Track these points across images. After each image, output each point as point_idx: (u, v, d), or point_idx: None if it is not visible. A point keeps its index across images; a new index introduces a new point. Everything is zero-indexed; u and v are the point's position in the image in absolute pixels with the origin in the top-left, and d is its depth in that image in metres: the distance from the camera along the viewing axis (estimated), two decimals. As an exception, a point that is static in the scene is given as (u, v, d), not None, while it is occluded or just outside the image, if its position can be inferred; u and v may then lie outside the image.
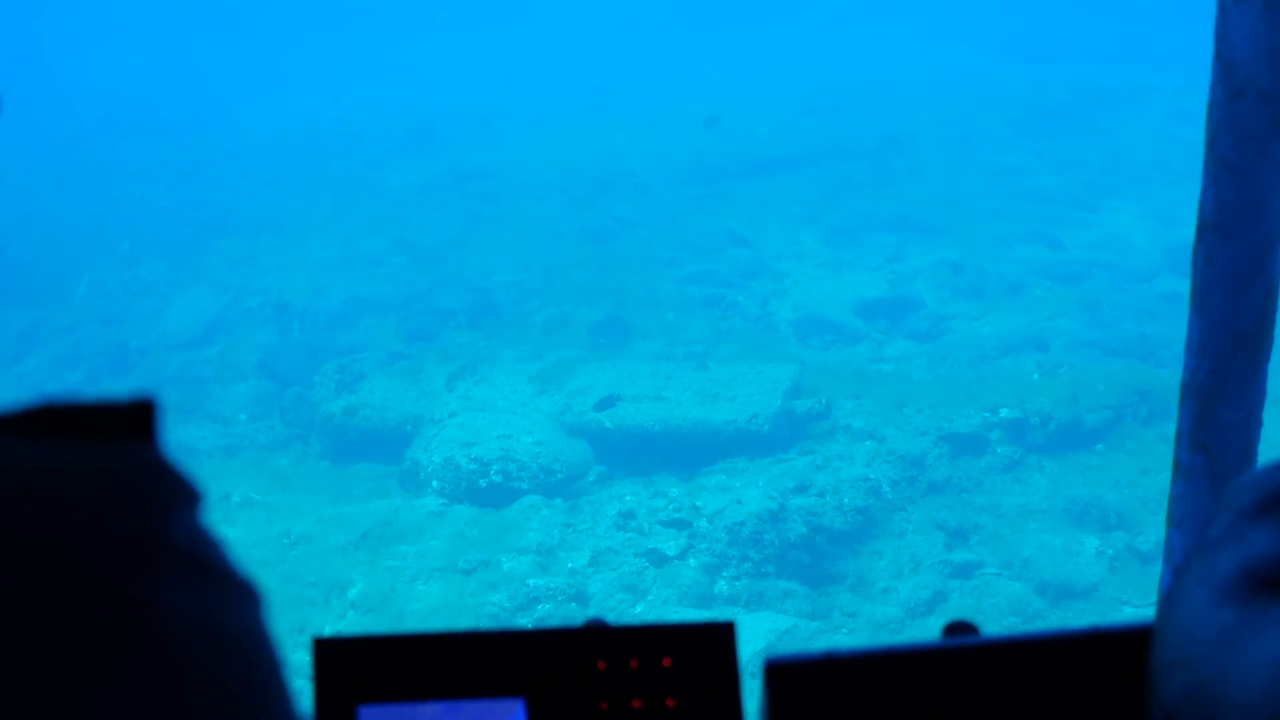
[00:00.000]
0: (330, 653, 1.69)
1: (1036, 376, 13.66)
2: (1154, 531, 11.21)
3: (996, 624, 10.29)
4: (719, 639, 1.77)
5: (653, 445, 12.67)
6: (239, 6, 37.81)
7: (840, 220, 18.50)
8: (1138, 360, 13.90)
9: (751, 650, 9.58)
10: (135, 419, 0.91)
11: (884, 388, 13.50)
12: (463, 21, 37.21)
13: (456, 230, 19.17)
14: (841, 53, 29.34)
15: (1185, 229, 15.02)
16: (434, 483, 12.29)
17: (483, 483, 12.11)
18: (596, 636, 1.75)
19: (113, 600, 0.83)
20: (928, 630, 10.20)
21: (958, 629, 1.65)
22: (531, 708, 1.72)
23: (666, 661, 1.76)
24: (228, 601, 0.91)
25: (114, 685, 0.82)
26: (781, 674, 1.52)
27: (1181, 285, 15.65)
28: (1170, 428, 11.73)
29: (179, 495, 0.91)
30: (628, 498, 11.95)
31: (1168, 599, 1.21)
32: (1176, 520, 3.57)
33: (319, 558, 11.49)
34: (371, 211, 20.29)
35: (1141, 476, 12.04)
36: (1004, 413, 12.80)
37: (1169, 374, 13.28)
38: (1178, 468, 3.55)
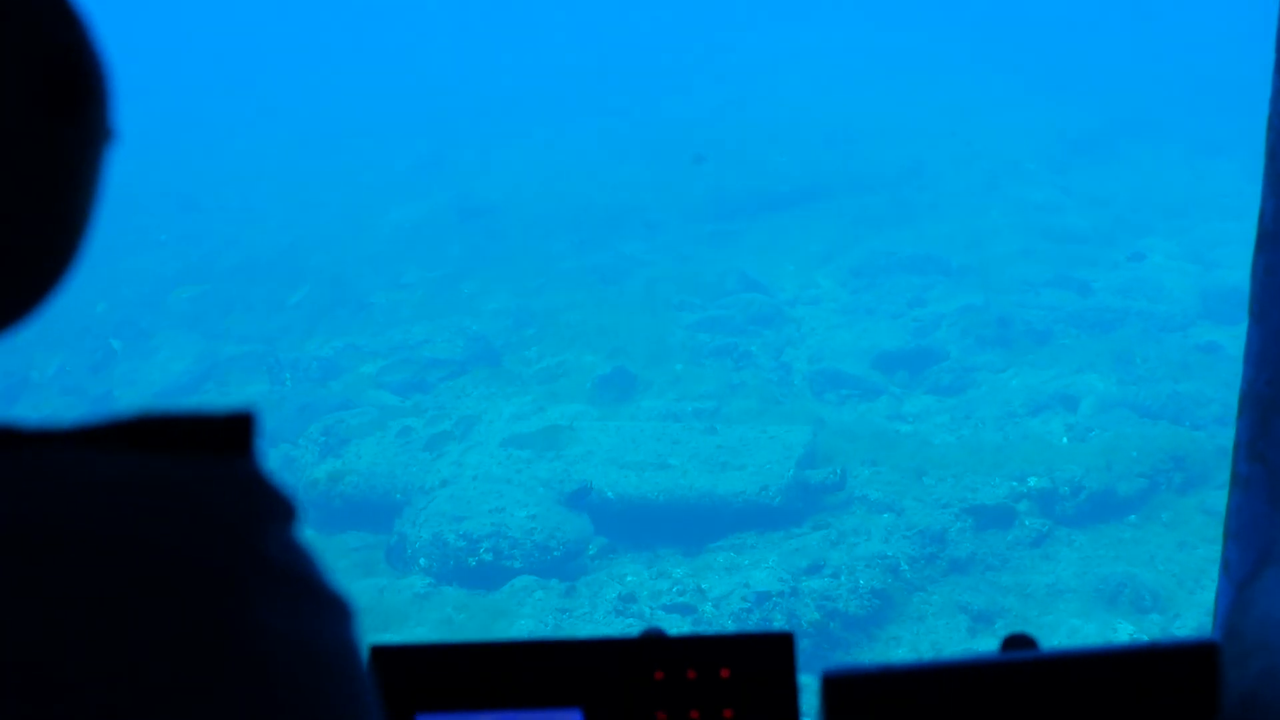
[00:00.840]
0: (388, 661, 1.73)
1: (1066, 440, 12.85)
2: (1190, 615, 10.48)
3: None
4: (777, 650, 1.78)
5: (657, 517, 11.88)
6: (245, 25, 37.14)
7: (859, 260, 17.73)
8: (1171, 422, 13.08)
9: None
10: (233, 433, 0.92)
11: (903, 452, 12.70)
12: (474, 45, 36.54)
13: (458, 270, 18.45)
14: (862, 80, 28.43)
15: (1220, 270, 14.26)
16: (421, 560, 11.51)
17: (472, 561, 11.31)
18: (654, 646, 1.76)
19: (210, 616, 0.84)
20: None
21: (1016, 643, 1.71)
22: (589, 718, 1.76)
23: (725, 672, 1.77)
24: (321, 617, 0.91)
25: (210, 701, 0.83)
26: (839, 686, 1.56)
27: (1218, 334, 14.95)
28: (1207, 495, 10.98)
29: (275, 511, 0.92)
30: (629, 578, 11.16)
31: (1243, 598, 1.40)
32: (1234, 532, 3.13)
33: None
34: (371, 249, 19.58)
35: (1178, 552, 11.24)
36: (1032, 482, 11.99)
37: (1205, 437, 12.54)
38: (1235, 478, 3.22)
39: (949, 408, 13.87)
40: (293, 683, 0.87)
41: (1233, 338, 14.82)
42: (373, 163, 24.56)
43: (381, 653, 1.75)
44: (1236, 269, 16.54)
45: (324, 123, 28.36)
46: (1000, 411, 13.58)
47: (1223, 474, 12.00)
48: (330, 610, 0.93)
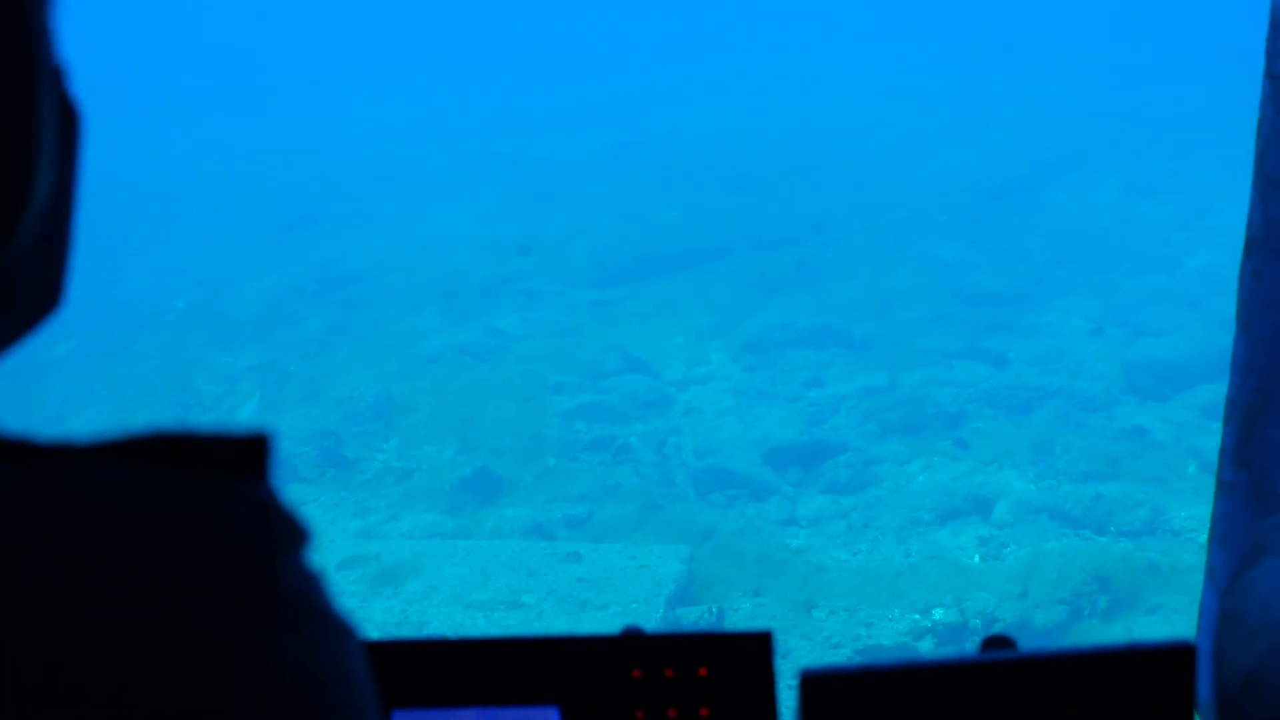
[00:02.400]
0: (372, 654, 1.72)
1: (978, 559, 11.26)
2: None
3: None
4: (756, 649, 1.82)
5: (503, 668, 10.20)
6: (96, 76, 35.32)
7: (754, 332, 16.13)
8: (1095, 531, 11.55)
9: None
10: (249, 455, 0.92)
11: (791, 579, 11.05)
12: (347, 97, 34.83)
13: (312, 349, 16.77)
14: (761, 124, 26.70)
15: (1146, 338, 12.65)
16: None
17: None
18: (632, 645, 1.80)
19: (225, 642, 0.84)
20: None
21: (996, 643, 1.73)
22: (566, 716, 1.79)
23: (703, 671, 1.81)
24: (332, 643, 0.91)
25: None
26: (817, 686, 1.56)
27: (1143, 415, 13.38)
28: (1135, 622, 9.41)
29: (290, 535, 0.91)
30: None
31: (1244, 581, 1.36)
32: (1219, 537, 3.56)
33: None
34: (223, 328, 17.87)
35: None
36: (937, 614, 10.41)
37: (1133, 550, 11.08)
38: (1220, 485, 3.50)
39: (846, 511, 12.25)
40: (304, 710, 0.85)
41: (1160, 420, 13.48)
42: (237, 224, 22.80)
43: (375, 646, 1.75)
44: (1163, 334, 15.09)
45: (185, 177, 26.54)
46: (904, 519, 11.99)
47: (1152, 596, 10.61)
48: (340, 637, 0.91)
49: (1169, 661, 1.66)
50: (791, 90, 29.96)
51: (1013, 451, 12.98)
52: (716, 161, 23.29)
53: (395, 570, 11.40)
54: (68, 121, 1.01)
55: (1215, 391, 13.64)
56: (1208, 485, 12.04)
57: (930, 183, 21.64)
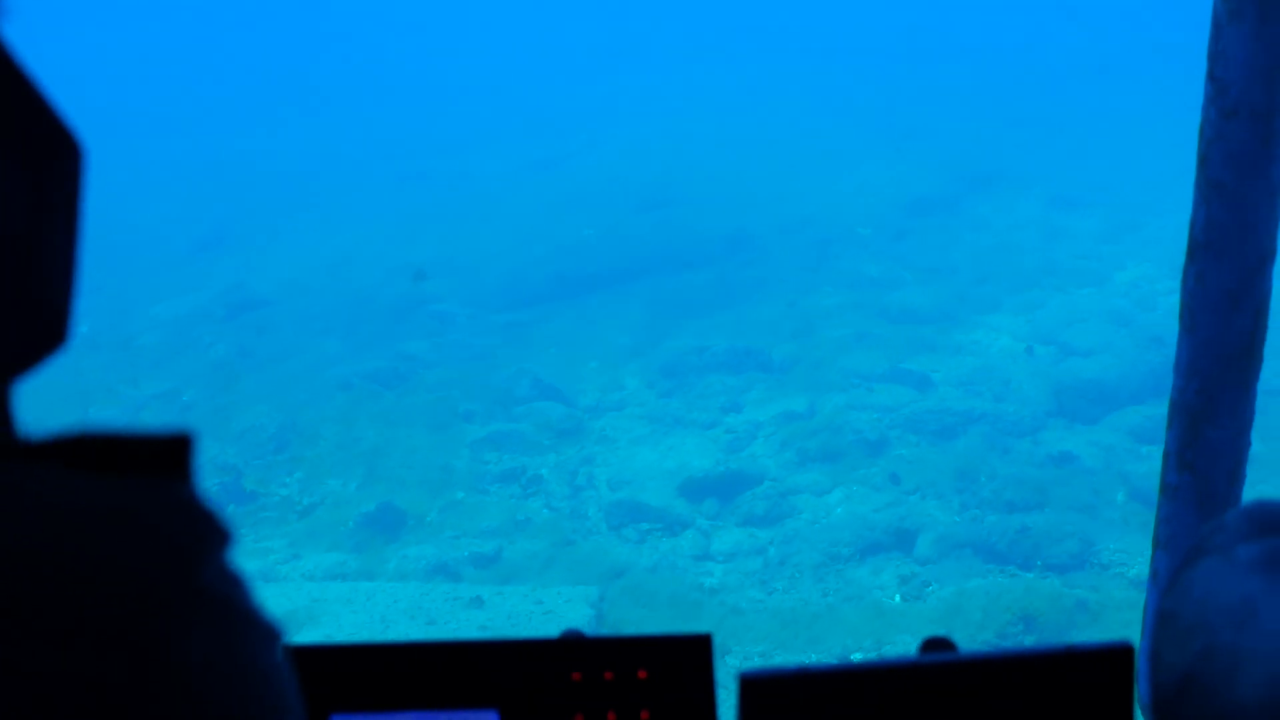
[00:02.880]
0: (303, 661, 1.76)
1: (898, 599, 10.77)
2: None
3: None
4: (695, 651, 1.84)
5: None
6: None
7: (670, 356, 15.64)
8: (1021, 567, 11.09)
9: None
10: (171, 455, 0.92)
11: (704, 622, 10.54)
12: (262, 106, 34.16)
13: (220, 378, 16.16)
14: (679, 137, 26.11)
15: (1074, 358, 12.17)
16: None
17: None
18: (572, 648, 1.81)
19: (138, 642, 0.83)
20: None
21: (935, 645, 1.80)
22: (505, 718, 1.80)
23: (642, 674, 1.82)
24: (254, 644, 0.90)
25: None
26: (756, 688, 1.61)
27: (1071, 439, 12.89)
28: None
29: (211, 536, 0.90)
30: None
31: (1181, 582, 1.40)
32: (1163, 540, 3.57)
33: None
34: (126, 355, 17.23)
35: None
36: (856, 660, 9.87)
37: (1060, 586, 10.65)
38: (1165, 488, 3.55)
39: (763, 546, 11.76)
40: (222, 708, 0.84)
41: (1087, 444, 13.06)
42: (146, 246, 22.10)
43: (296, 652, 1.74)
44: (1092, 354, 14.68)
45: (92, 197, 25.77)
46: (822, 554, 11.50)
47: (1081, 634, 10.15)
48: (262, 638, 0.90)
49: (1108, 662, 1.71)
50: (710, 104, 29.43)
51: (936, 480, 12.53)
52: (633, 177, 22.77)
53: (291, 618, 10.83)
54: (40, 147, 0.99)
55: (1145, 414, 13.24)
56: (1138, 514, 11.62)
57: (852, 197, 21.19)
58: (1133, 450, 12.87)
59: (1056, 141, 24.10)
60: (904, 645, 9.95)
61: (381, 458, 13.82)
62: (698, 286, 17.69)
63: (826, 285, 17.45)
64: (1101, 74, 30.30)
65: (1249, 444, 3.65)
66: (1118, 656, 1.72)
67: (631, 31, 40.12)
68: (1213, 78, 3.48)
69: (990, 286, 17.34)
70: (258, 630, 0.89)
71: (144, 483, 0.87)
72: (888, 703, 1.63)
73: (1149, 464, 12.38)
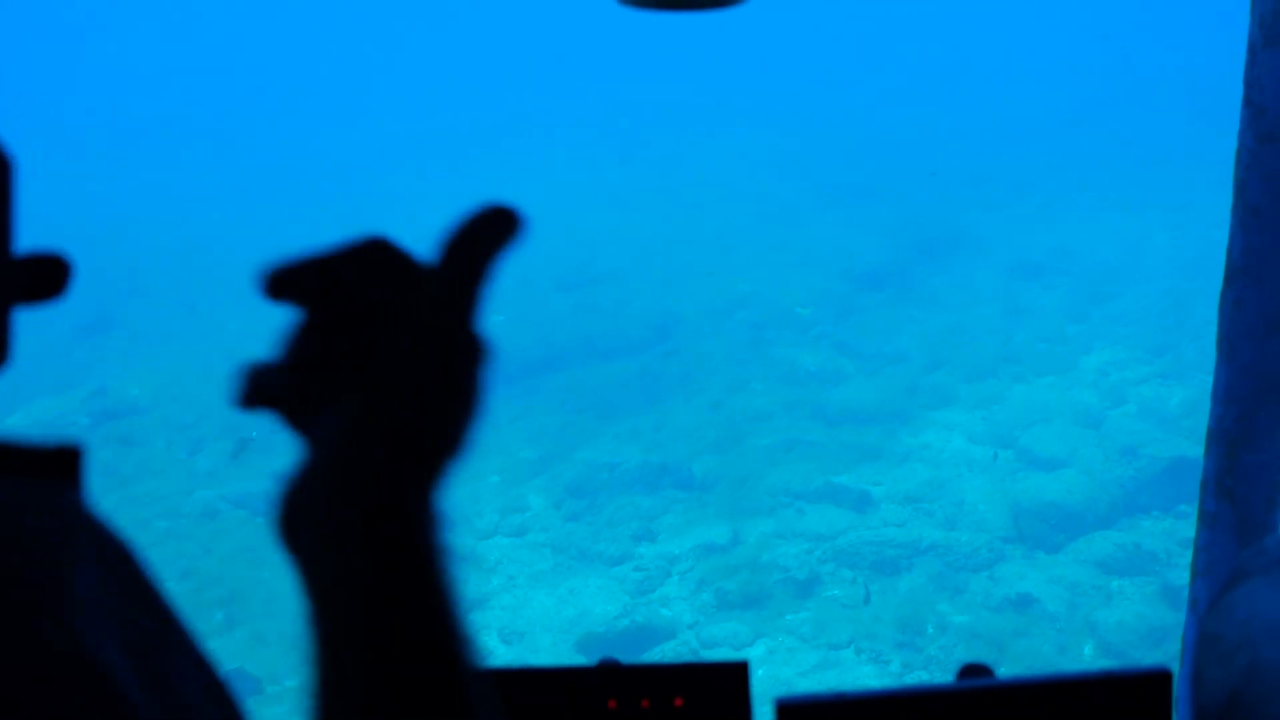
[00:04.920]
0: None
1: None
2: None
3: None
4: (732, 678, 1.88)
5: None
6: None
7: (580, 471, 13.85)
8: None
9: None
10: (60, 464, 0.94)
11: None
12: (179, 160, 32.43)
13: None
14: (608, 205, 24.31)
15: (1035, 475, 10.19)
16: None
17: None
18: (609, 675, 1.86)
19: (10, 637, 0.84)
20: None
21: (972, 671, 1.89)
22: None
23: (679, 701, 1.86)
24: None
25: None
26: (793, 713, 1.67)
27: (1031, 576, 10.77)
28: None
29: (88, 544, 0.91)
30: None
31: (1224, 603, 1.42)
32: (1202, 569, 3.64)
33: None
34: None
35: None
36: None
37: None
38: (1203, 516, 3.60)
39: (670, 726, 9.85)
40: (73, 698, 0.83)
41: (1050, 581, 11.27)
42: (28, 325, 20.15)
43: None
44: (1056, 466, 12.93)
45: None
46: (736, 737, 9.59)
47: None
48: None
49: (1146, 687, 1.77)
50: (642, 167, 27.64)
51: (874, 631, 10.75)
52: (555, 250, 20.93)
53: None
54: None
55: (1115, 541, 11.66)
56: (1108, 675, 9.87)
57: (794, 270, 19.36)
58: (1101, 587, 11.12)
59: (1021, 201, 22.39)
60: None
61: (240, 604, 12.18)
62: (616, 383, 15.86)
63: (757, 381, 15.60)
64: (1072, 126, 28.69)
65: None
66: (1156, 681, 1.75)
67: (550, 98, 38.46)
68: (1249, 103, 3.44)
69: (943, 375, 15.54)
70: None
71: (23, 484, 0.89)
72: None
73: (1120, 607, 10.75)
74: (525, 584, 12.13)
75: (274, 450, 15.02)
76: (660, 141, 30.43)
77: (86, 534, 0.90)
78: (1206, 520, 3.61)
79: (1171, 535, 11.82)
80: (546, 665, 1.86)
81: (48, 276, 1.06)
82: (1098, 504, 12.14)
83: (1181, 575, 10.98)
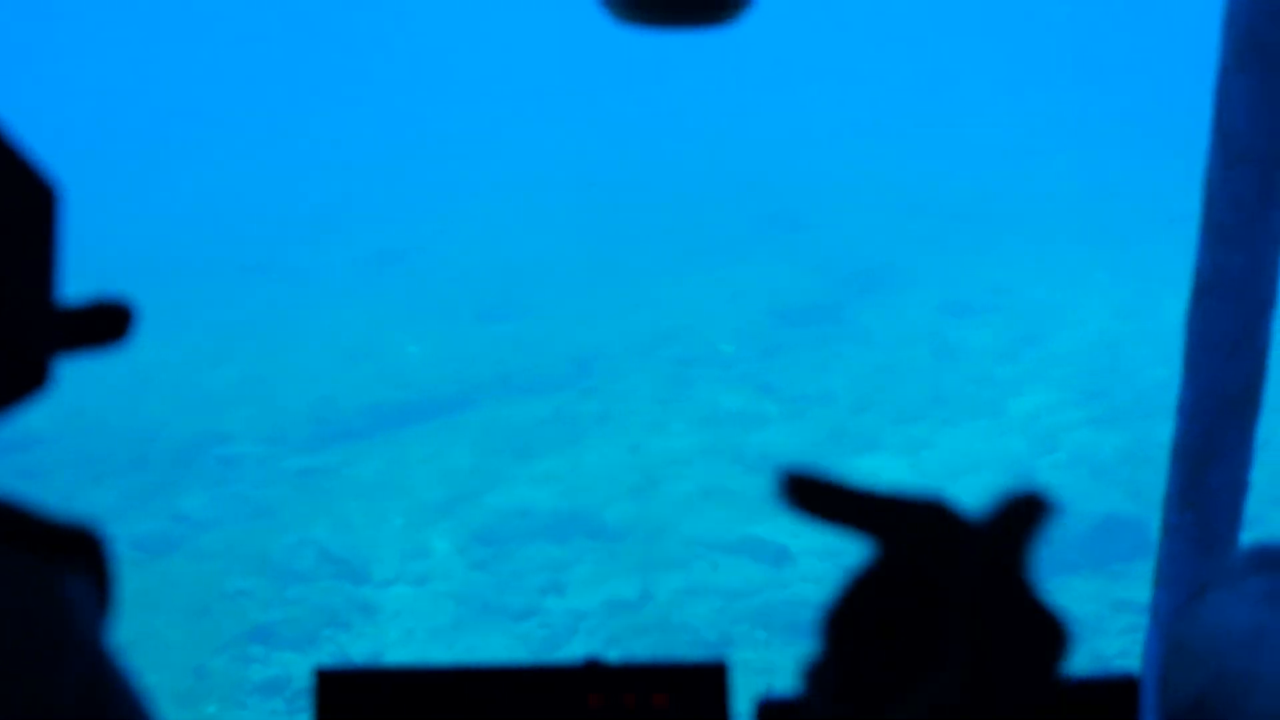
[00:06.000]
0: (331, 684, 1.87)
1: None
2: None
3: None
4: (713, 678, 1.87)
5: None
6: None
7: (489, 517, 13.37)
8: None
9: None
10: (75, 543, 0.97)
11: None
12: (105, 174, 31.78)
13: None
14: (528, 231, 23.81)
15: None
16: None
17: None
18: (591, 673, 1.87)
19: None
20: None
21: None
22: None
23: (660, 700, 1.86)
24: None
25: None
26: (775, 713, 1.43)
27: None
28: None
29: (98, 624, 0.96)
30: None
31: (1189, 612, 1.52)
32: (1165, 579, 3.80)
33: None
34: None
35: None
36: None
37: None
38: (1167, 528, 3.77)
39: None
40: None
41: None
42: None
43: (325, 676, 1.85)
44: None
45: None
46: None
47: None
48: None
49: (1112, 693, 1.55)
50: (557, 197, 27.11)
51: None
52: (477, 278, 20.44)
53: None
54: (13, 192, 1.04)
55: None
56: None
57: (723, 304, 18.90)
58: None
59: (953, 235, 22.01)
60: None
61: (132, 652, 11.56)
62: (533, 421, 15.38)
63: (678, 422, 15.13)
64: (1008, 159, 28.46)
65: (1248, 485, 3.77)
66: (1123, 688, 1.53)
67: (471, 118, 38.03)
68: (1219, 126, 3.61)
69: (871, 417, 15.11)
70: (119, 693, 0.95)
71: (44, 560, 0.92)
72: None
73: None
74: (424, 638, 11.64)
75: (176, 485, 14.56)
76: (583, 167, 29.99)
77: (78, 631, 0.92)
78: (1170, 532, 3.75)
79: (1103, 597, 11.44)
80: (532, 663, 1.87)
81: (109, 324, 1.09)
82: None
83: (1113, 643, 10.66)
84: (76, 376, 18.05)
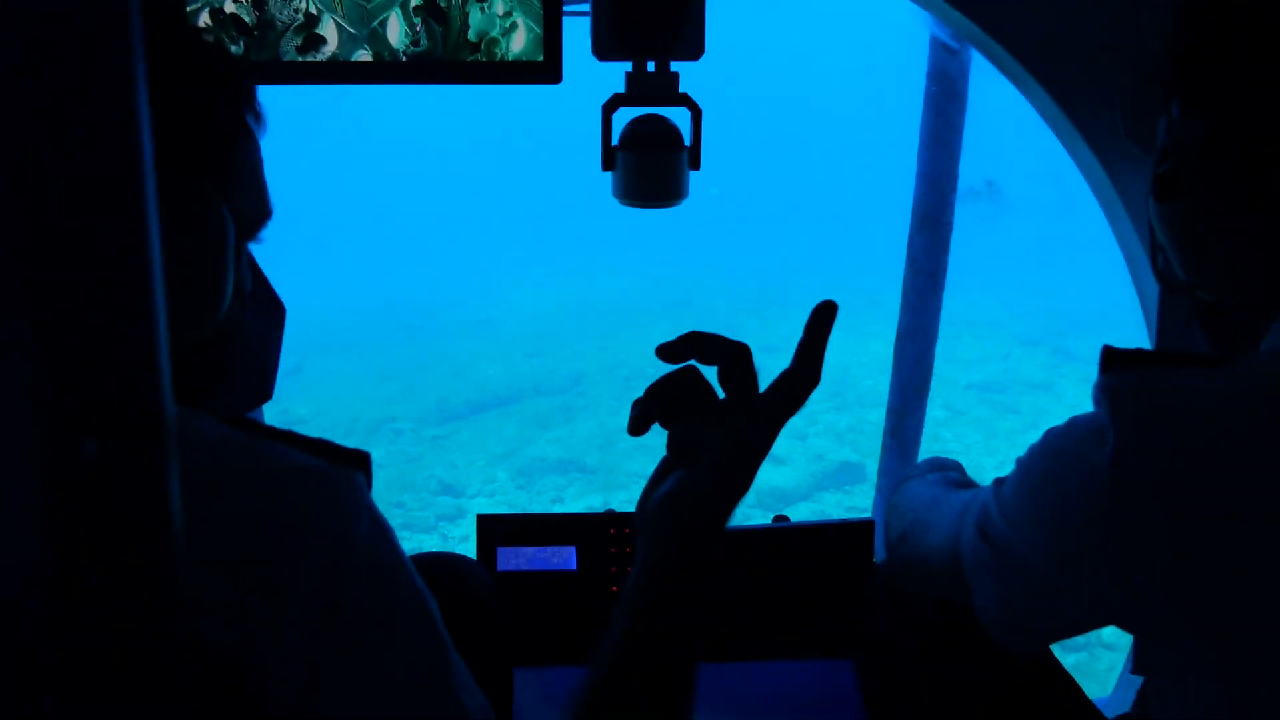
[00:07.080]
0: (484, 522, 2.66)
1: None
2: None
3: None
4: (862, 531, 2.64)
5: None
6: None
7: (524, 462, 19.05)
8: None
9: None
10: (355, 458, 1.35)
11: None
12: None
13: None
14: (571, 289, 23.87)
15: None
16: None
17: None
18: (615, 519, 2.65)
19: (318, 566, 1.18)
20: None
21: (779, 519, 2.60)
22: (580, 552, 2.65)
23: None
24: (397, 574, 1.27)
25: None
26: (490, 523, 2.59)
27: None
28: None
29: (366, 514, 1.26)
30: None
31: (898, 491, 2.18)
32: (883, 476, 4.40)
33: None
34: None
35: None
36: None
37: None
38: (885, 449, 4.35)
39: None
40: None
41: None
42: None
43: (481, 519, 2.62)
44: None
45: None
46: None
47: None
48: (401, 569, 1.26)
49: (857, 530, 2.47)
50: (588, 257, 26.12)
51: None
52: (529, 326, 22.65)
53: None
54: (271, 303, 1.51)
55: None
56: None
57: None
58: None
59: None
60: None
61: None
62: (546, 412, 20.70)
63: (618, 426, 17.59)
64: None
65: (924, 425, 4.33)
66: (863, 527, 2.41)
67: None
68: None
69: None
70: (400, 566, 1.24)
71: (332, 463, 1.22)
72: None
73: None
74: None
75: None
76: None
77: (365, 499, 1.21)
78: (886, 453, 4.28)
79: (841, 505, 11.94)
80: (578, 511, 2.80)
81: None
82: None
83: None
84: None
